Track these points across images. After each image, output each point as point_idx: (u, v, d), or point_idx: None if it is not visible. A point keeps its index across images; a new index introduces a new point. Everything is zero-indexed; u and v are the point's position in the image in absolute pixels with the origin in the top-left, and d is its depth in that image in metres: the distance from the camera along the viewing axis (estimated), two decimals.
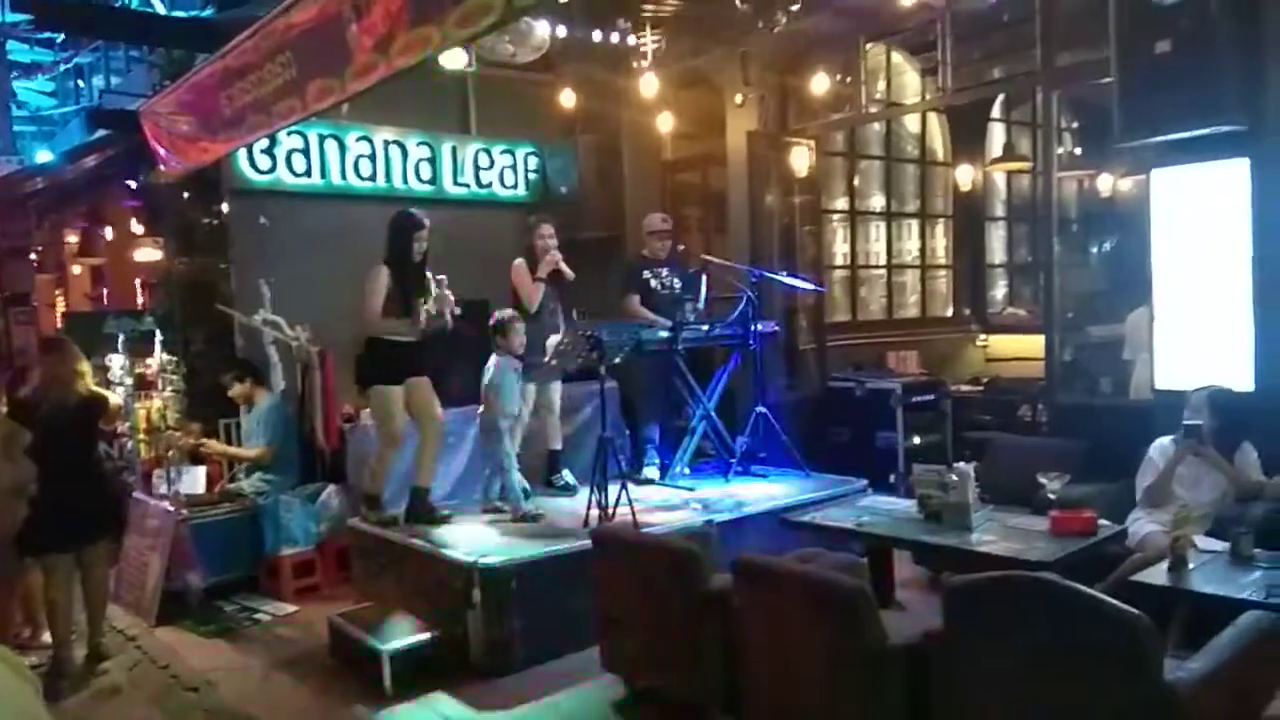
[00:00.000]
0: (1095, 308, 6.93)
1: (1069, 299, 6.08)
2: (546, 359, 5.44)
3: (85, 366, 4.64)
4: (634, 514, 4.85)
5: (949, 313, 9.20)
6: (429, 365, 5.17)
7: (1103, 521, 3.85)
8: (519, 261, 5.79)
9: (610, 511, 4.86)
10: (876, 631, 2.72)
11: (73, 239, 11.53)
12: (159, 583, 5.30)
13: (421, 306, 5.01)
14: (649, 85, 6.59)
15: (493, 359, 5.28)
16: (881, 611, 2.80)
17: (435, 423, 5.15)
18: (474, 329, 5.58)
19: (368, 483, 5.26)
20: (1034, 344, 6.55)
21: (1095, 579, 3.54)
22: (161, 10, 9.57)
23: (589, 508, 4.93)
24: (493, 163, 7.55)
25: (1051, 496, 3.90)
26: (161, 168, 5.64)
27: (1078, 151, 8.45)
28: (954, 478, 3.97)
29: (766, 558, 3.32)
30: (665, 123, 7.38)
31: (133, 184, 8.07)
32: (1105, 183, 8.48)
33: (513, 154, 7.67)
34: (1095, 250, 8.50)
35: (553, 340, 5.48)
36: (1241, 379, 4.36)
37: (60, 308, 12.33)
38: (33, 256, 11.62)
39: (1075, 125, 8.27)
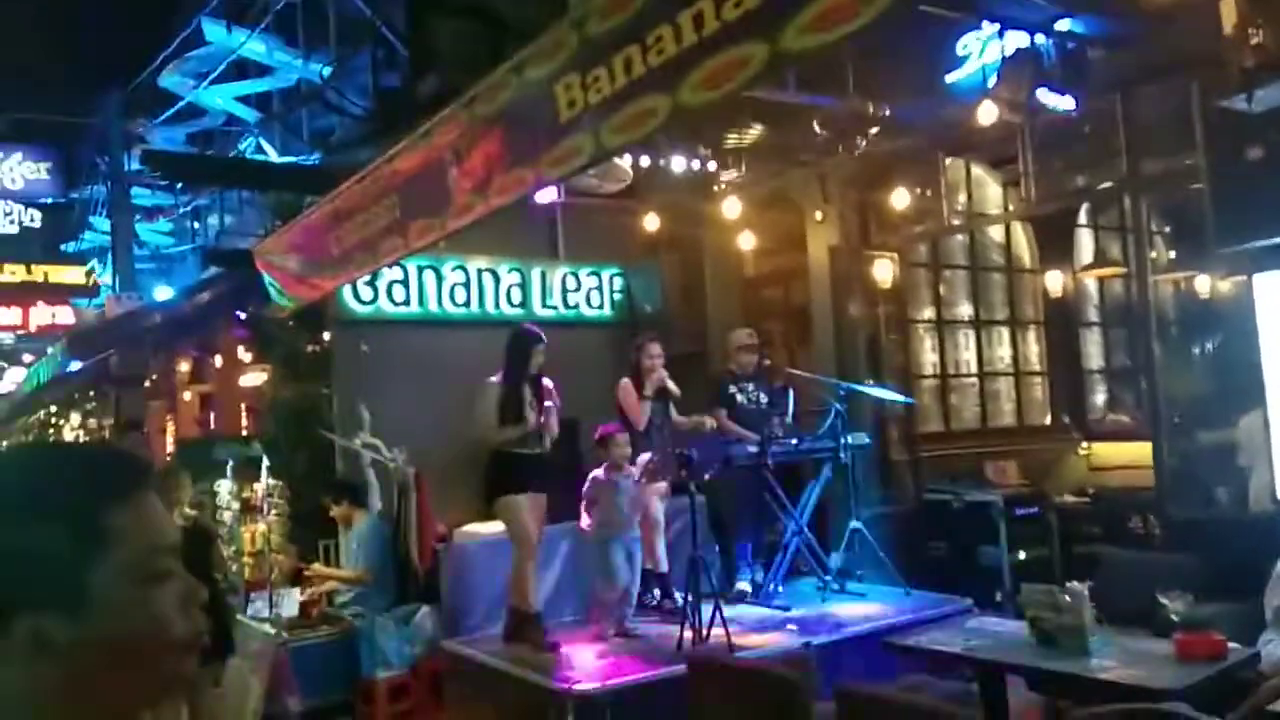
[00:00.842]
0: (1203, 412, 6.65)
1: (1174, 404, 5.87)
2: (637, 477, 5.46)
3: (185, 495, 4.87)
4: (729, 636, 4.74)
5: (1047, 420, 8.93)
6: (548, 482, 5.24)
7: (1232, 644, 3.62)
8: (625, 381, 5.89)
9: (705, 633, 4.77)
10: None
11: (184, 367, 12.20)
12: (259, 707, 5.35)
13: (531, 415, 5.12)
14: (730, 207, 6.77)
15: (593, 473, 5.33)
16: None
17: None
18: (562, 447, 5.68)
19: (518, 601, 5.16)
20: (1140, 451, 6.30)
21: (1226, 708, 3.31)
22: (273, 156, 10.29)
23: (682, 629, 4.84)
24: (580, 285, 7.79)
25: (1174, 618, 3.69)
26: (281, 302, 5.96)
27: (1171, 254, 8.28)
28: (1067, 598, 3.79)
29: (871, 687, 3.21)
30: (746, 240, 7.53)
31: (242, 315, 8.57)
32: (1203, 284, 8.24)
33: (599, 276, 7.90)
34: (1198, 353, 8.20)
35: (642, 459, 5.51)
36: None
37: (170, 433, 12.95)
38: (146, 384, 12.31)
39: (1167, 229, 8.13)
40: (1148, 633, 3.87)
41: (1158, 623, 3.85)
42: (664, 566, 5.76)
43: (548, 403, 5.22)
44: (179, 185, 12.85)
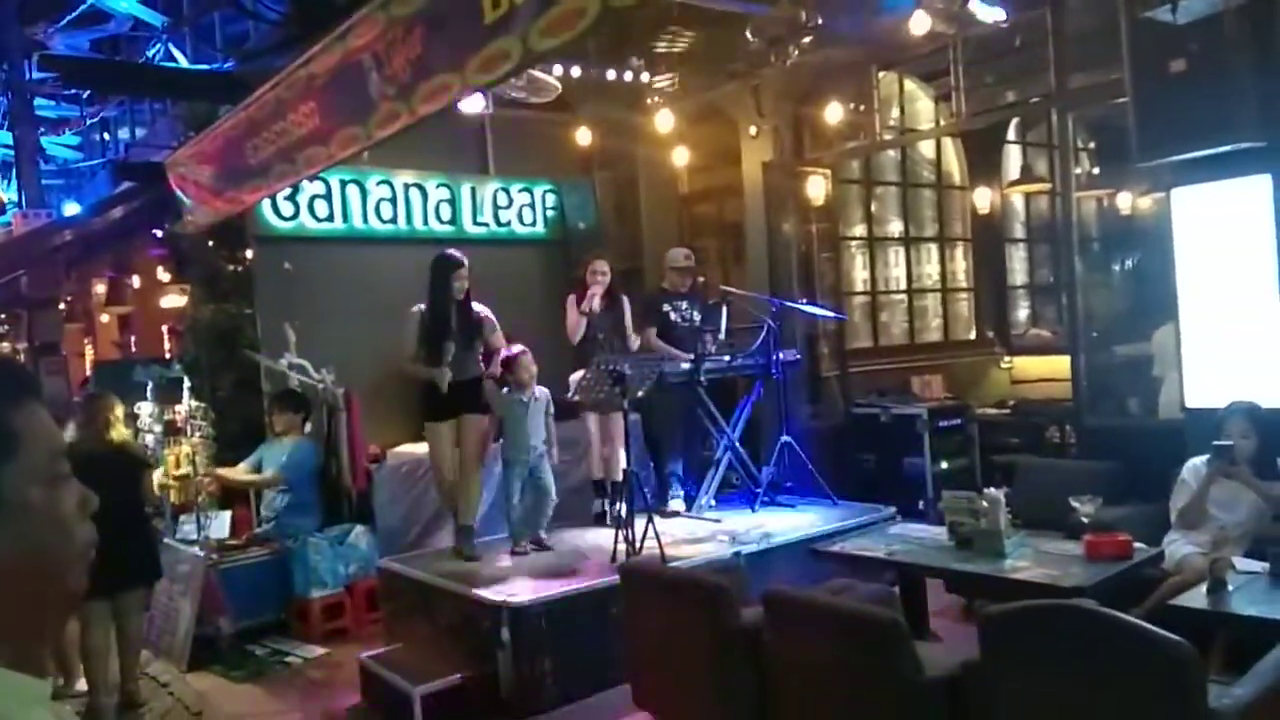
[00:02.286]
0: (1120, 326, 6.87)
1: (1093, 318, 6.04)
2: (569, 394, 5.46)
3: (119, 414, 4.74)
4: (661, 548, 4.82)
5: (972, 336, 9.15)
6: (478, 404, 5.22)
7: (1138, 544, 3.80)
8: (571, 298, 5.92)
9: (637, 546, 4.84)
10: (912, 664, 2.69)
11: (100, 289, 11.73)
12: (190, 628, 5.32)
13: (457, 347, 5.07)
14: (664, 121, 6.66)
15: (500, 393, 5.31)
16: (916, 643, 2.77)
17: (469, 461, 5.19)
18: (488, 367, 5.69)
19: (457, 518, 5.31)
20: (1059, 365, 6.50)
21: (1132, 603, 3.49)
22: (184, 64, 9.78)
23: (616, 543, 4.91)
24: (511, 201, 7.62)
25: (1085, 520, 3.85)
26: (188, 218, 5.73)
27: (1095, 171, 8.43)
28: (984, 503, 3.93)
29: (797, 590, 3.30)
30: (681, 156, 7.44)
31: (158, 233, 8.22)
32: (1125, 201, 8.44)
33: (531, 192, 7.74)
34: (1117, 269, 8.44)
35: (575, 376, 5.50)
36: (1273, 395, 4.30)
37: (89, 356, 12.51)
38: (61, 307, 11.83)
39: (1091, 145, 8.26)
40: (1060, 535, 4.03)
41: (1069, 525, 4.01)
42: (617, 478, 5.82)
43: (493, 334, 5.19)
44: (85, 94, 12.16)
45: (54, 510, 0.84)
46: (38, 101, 13.48)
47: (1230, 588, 3.29)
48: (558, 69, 6.04)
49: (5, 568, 0.79)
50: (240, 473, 5.99)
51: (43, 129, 14.09)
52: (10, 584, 0.80)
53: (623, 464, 5.60)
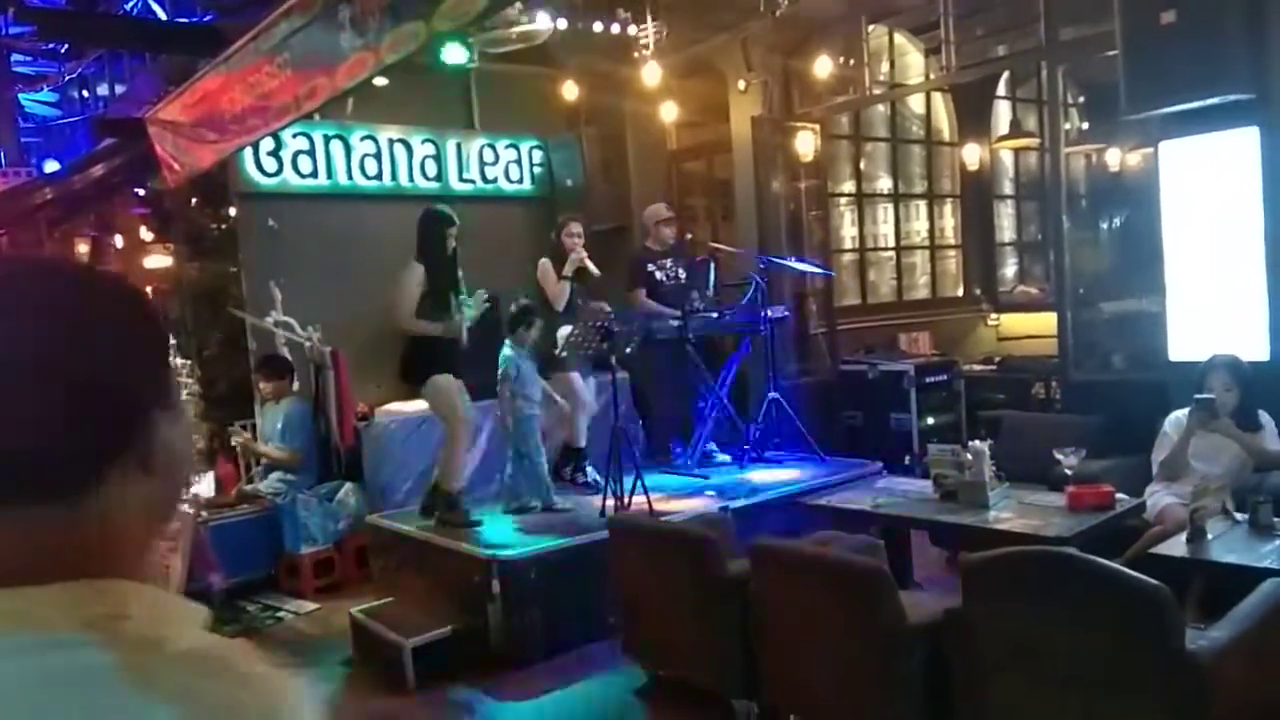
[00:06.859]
0: (1107, 283, 6.89)
1: (1080, 275, 6.05)
2: (557, 351, 5.46)
3: None
4: (650, 502, 4.86)
5: (959, 293, 9.17)
6: (466, 365, 5.18)
7: (1120, 495, 3.84)
8: (544, 261, 5.80)
9: (626, 501, 4.87)
10: (896, 611, 2.73)
11: (83, 248, 11.60)
12: (180, 585, 5.33)
13: (462, 304, 5.00)
14: (651, 74, 6.57)
15: (506, 348, 5.28)
16: (900, 592, 2.81)
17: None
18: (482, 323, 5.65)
19: (445, 481, 5.02)
20: (1046, 322, 6.53)
21: (1114, 553, 3.53)
22: (163, 18, 9.60)
23: (605, 498, 4.94)
24: (497, 158, 7.55)
25: (1068, 472, 3.89)
26: (166, 174, 5.66)
27: (1084, 126, 8.41)
28: (969, 456, 3.96)
29: (783, 541, 3.33)
30: (669, 112, 7.36)
31: (141, 191, 8.12)
32: (1113, 157, 8.42)
33: (517, 148, 7.66)
34: (1105, 225, 8.45)
35: (563, 332, 5.49)
36: (1256, 349, 4.33)
37: None
38: None
39: (1081, 100, 8.23)
40: (1044, 488, 4.07)
41: (1053, 478, 4.05)
42: (581, 442, 5.82)
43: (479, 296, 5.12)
44: (62, 50, 11.93)
45: None
46: (13, 56, 13.21)
47: (1210, 536, 3.34)
48: (544, 20, 5.95)
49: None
50: (268, 450, 5.97)
51: (19, 85, 13.83)
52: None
53: (584, 429, 5.67)
